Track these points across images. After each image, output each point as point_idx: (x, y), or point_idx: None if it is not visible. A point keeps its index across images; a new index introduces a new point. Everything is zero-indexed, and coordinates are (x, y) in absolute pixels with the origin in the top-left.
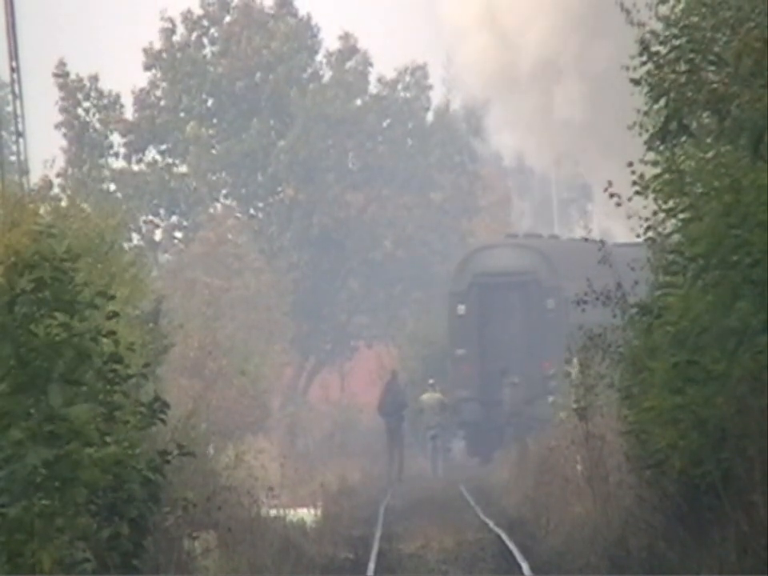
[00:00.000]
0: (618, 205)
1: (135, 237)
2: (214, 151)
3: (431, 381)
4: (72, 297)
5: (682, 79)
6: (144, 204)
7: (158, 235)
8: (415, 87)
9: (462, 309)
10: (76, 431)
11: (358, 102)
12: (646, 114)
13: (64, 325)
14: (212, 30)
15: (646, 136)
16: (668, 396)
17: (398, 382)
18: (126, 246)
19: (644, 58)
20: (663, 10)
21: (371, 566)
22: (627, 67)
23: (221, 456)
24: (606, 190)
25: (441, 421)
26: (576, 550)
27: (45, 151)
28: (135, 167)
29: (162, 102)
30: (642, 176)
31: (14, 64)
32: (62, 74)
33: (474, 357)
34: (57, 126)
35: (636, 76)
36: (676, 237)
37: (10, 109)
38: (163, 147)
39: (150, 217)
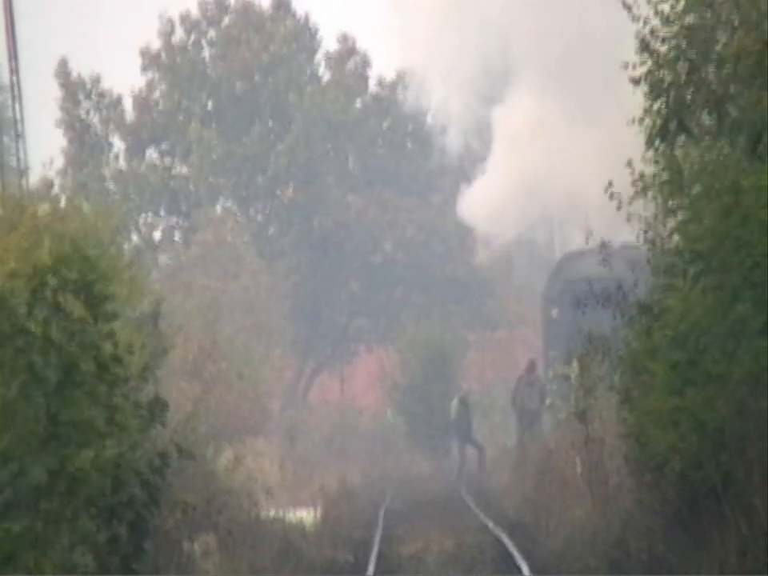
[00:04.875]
0: (619, 208)
1: (135, 237)
2: (214, 155)
3: (464, 386)
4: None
5: (682, 79)
6: (144, 203)
7: (157, 236)
8: (415, 89)
9: (555, 313)
10: (78, 434)
11: (358, 103)
12: (645, 113)
13: (74, 330)
14: (210, 33)
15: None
16: (668, 398)
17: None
18: (125, 246)
19: (644, 57)
20: (664, 7)
21: (371, 568)
22: (626, 64)
23: (220, 458)
24: (606, 190)
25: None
26: (575, 553)
27: (44, 153)
28: (136, 169)
29: (161, 105)
30: (641, 175)
31: (13, 66)
32: (63, 72)
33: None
34: (57, 124)
35: (635, 75)
36: (675, 238)
37: (10, 112)
38: (163, 148)
39: (150, 217)
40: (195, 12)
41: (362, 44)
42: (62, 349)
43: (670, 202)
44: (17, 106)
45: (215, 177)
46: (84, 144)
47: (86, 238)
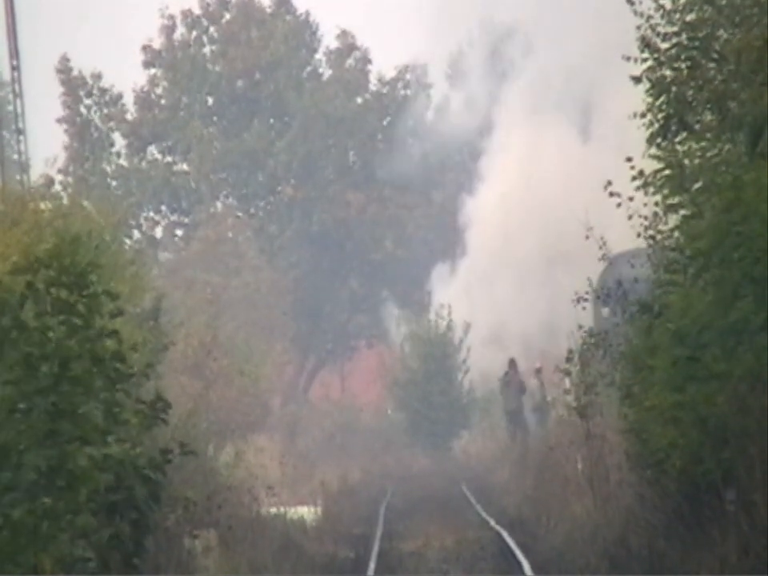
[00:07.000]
0: (619, 205)
1: (136, 233)
2: (215, 152)
3: (539, 365)
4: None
5: (683, 76)
6: (146, 200)
7: (158, 233)
8: (415, 85)
9: (605, 312)
10: (80, 431)
11: (359, 100)
12: (647, 110)
13: (70, 325)
14: (211, 29)
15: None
16: (668, 394)
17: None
18: (127, 242)
19: (645, 55)
20: (665, 2)
21: (372, 564)
22: (628, 58)
23: (221, 455)
24: (605, 188)
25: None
26: (576, 549)
27: (46, 149)
28: (137, 165)
29: (163, 101)
30: (641, 172)
31: (14, 63)
32: (64, 69)
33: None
34: (59, 121)
35: (636, 72)
36: (676, 234)
37: (11, 107)
38: (164, 145)
39: (152, 214)
40: (196, 9)
41: (362, 40)
42: (58, 342)
43: (671, 199)
44: (18, 102)
45: (216, 174)
46: (85, 141)
47: (88, 235)
